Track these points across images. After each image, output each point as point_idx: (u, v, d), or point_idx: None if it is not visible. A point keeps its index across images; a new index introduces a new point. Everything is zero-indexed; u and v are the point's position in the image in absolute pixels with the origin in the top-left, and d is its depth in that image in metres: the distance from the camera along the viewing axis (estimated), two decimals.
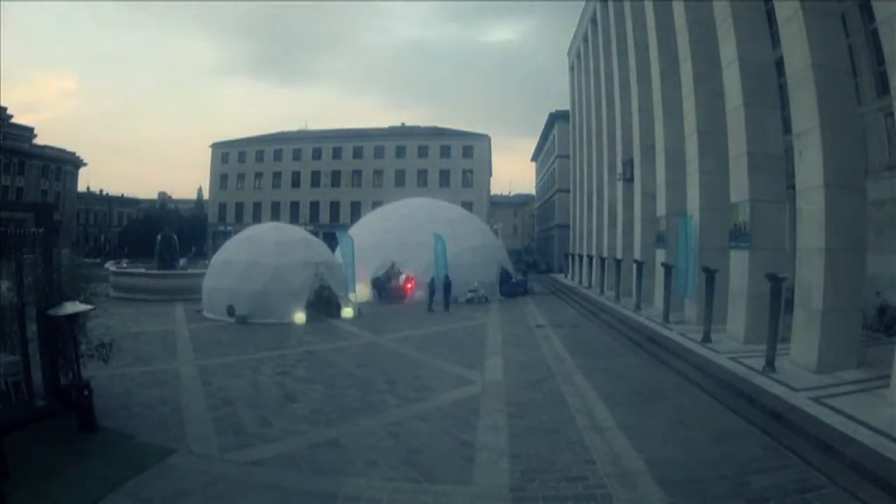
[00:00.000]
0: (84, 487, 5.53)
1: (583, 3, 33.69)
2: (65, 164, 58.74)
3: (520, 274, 31.59)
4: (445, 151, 55.45)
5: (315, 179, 56.97)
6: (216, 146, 59.84)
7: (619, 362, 12.19)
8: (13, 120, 53.23)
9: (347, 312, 18.67)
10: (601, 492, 5.59)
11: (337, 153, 57.09)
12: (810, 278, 9.69)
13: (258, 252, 18.61)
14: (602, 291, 24.39)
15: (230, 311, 17.57)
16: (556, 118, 51.58)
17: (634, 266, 19.21)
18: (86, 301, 8.30)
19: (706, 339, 12.15)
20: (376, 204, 48.21)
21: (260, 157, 58.54)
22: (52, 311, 7.58)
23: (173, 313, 19.04)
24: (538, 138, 66.29)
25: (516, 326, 17.70)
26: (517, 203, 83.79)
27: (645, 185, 20.57)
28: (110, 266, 29.52)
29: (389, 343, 14.48)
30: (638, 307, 18.08)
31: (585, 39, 33.91)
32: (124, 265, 31.57)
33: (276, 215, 53.95)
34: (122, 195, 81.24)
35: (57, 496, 5.39)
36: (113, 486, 5.57)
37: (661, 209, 18.15)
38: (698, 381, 9.86)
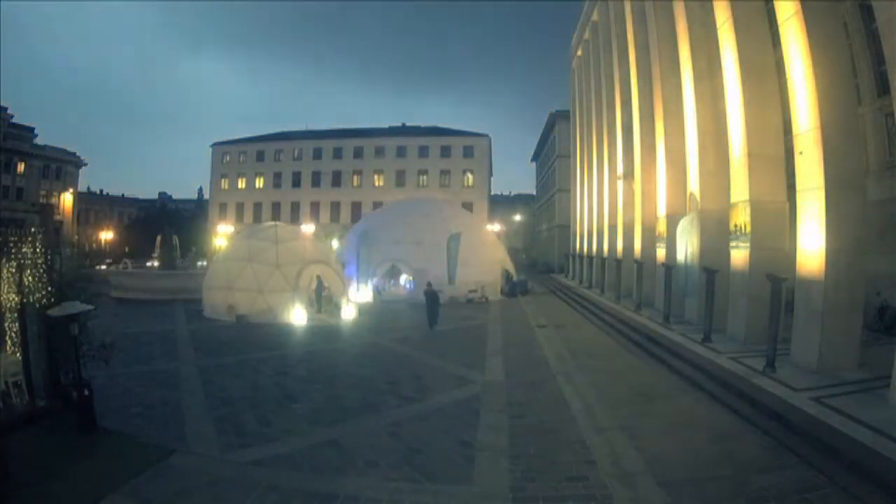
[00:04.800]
0: (84, 487, 5.53)
1: (584, 4, 33.69)
2: (65, 164, 58.71)
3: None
4: (446, 151, 55.44)
5: (316, 179, 56.98)
6: (216, 146, 59.87)
7: (619, 362, 12.19)
8: (14, 119, 53.23)
9: (348, 312, 18.66)
10: (602, 492, 5.59)
11: (337, 153, 57.09)
12: (810, 278, 9.68)
13: (258, 252, 18.62)
14: (602, 291, 24.37)
15: (230, 310, 17.58)
16: (557, 118, 51.57)
17: (635, 266, 19.21)
18: (86, 301, 8.30)
19: (706, 339, 12.13)
20: (377, 204, 48.28)
21: (261, 157, 58.56)
22: (52, 312, 7.59)
23: (173, 313, 19.03)
24: (538, 138, 66.26)
25: (517, 326, 17.70)
26: (517, 203, 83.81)
27: (645, 185, 20.57)
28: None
29: (390, 343, 14.48)
30: (638, 307, 18.07)
31: (586, 40, 33.92)
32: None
33: (276, 215, 53.97)
34: (123, 195, 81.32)
35: (57, 496, 5.39)
36: (113, 486, 5.57)
37: (661, 209, 18.15)
38: (699, 381, 9.85)
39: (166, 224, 35.04)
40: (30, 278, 7.85)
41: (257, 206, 57.68)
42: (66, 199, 58.20)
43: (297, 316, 17.21)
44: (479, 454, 6.61)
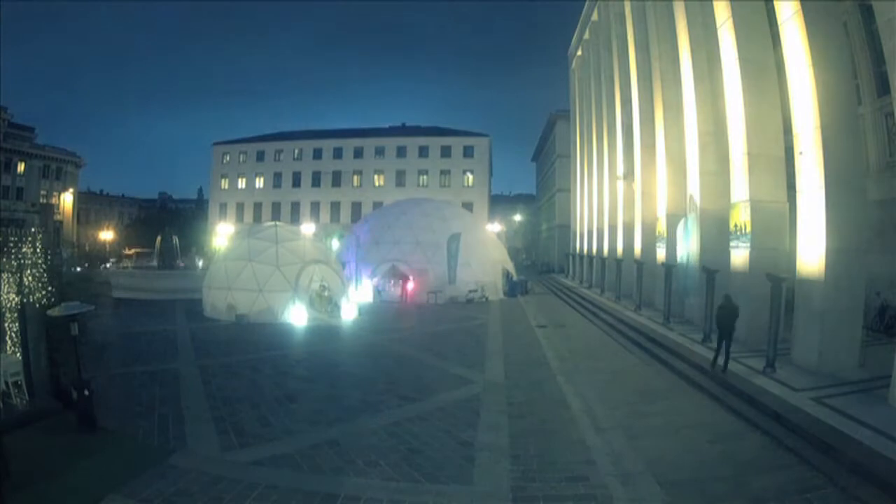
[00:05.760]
0: (84, 487, 5.53)
1: (584, 4, 33.69)
2: (65, 164, 58.71)
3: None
4: (446, 151, 55.39)
5: (316, 179, 56.94)
6: (217, 146, 59.86)
7: (619, 362, 12.19)
8: (14, 119, 53.26)
9: (348, 312, 18.66)
10: (602, 492, 5.59)
11: (338, 153, 57.05)
12: (810, 278, 9.68)
13: (258, 252, 18.61)
14: (602, 291, 24.37)
15: (230, 310, 17.57)
16: (557, 118, 51.57)
17: (635, 266, 19.20)
18: (86, 301, 8.30)
19: (706, 339, 12.13)
20: (377, 204, 48.29)
21: (261, 157, 58.51)
22: (52, 311, 7.59)
23: (173, 313, 19.03)
24: (538, 138, 66.25)
25: (517, 326, 17.70)
26: (517, 203, 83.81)
27: (645, 185, 20.57)
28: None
29: (390, 343, 14.47)
30: (639, 307, 18.07)
31: (586, 40, 33.92)
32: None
33: (276, 215, 53.97)
34: (123, 195, 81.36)
35: (57, 496, 5.39)
36: (113, 486, 5.57)
37: (661, 209, 18.15)
38: (699, 381, 9.85)
39: (166, 224, 35.08)
40: (30, 278, 7.86)
41: (257, 206, 57.65)
42: (66, 199, 58.21)
43: (297, 316, 17.21)
44: (479, 454, 6.61)
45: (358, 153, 56.65)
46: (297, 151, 57.83)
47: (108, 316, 17.44)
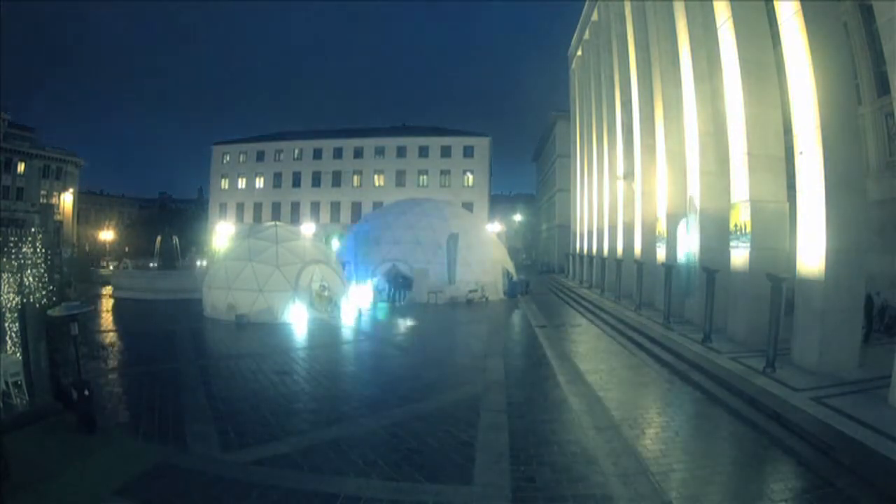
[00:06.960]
0: (84, 487, 5.53)
1: (584, 4, 33.71)
2: (65, 164, 58.75)
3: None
4: (446, 151, 55.45)
5: (316, 179, 57.01)
6: (217, 146, 59.93)
7: (619, 362, 12.19)
8: (13, 120, 53.30)
9: (348, 312, 18.68)
10: (602, 492, 5.59)
11: (338, 153, 57.11)
12: (810, 278, 9.69)
13: (258, 252, 18.62)
14: (602, 292, 24.38)
15: (230, 310, 17.58)
16: (557, 118, 51.61)
17: (635, 266, 19.20)
18: (86, 301, 8.31)
19: (707, 339, 12.14)
20: (377, 204, 48.37)
21: (261, 157, 58.59)
22: (52, 311, 7.59)
23: (174, 313, 19.03)
24: (538, 138, 66.28)
25: (517, 326, 17.72)
26: (517, 203, 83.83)
27: (645, 185, 20.59)
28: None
29: (389, 342, 14.48)
30: (639, 308, 18.07)
31: (586, 40, 33.95)
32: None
33: (276, 215, 54.03)
34: (123, 195, 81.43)
35: (57, 496, 5.39)
36: (113, 486, 5.57)
37: (661, 209, 18.16)
38: (699, 381, 9.85)
39: (166, 224, 35.11)
40: (30, 278, 7.86)
41: (257, 206, 57.73)
42: (66, 199, 58.24)
43: (297, 316, 17.22)
44: (479, 454, 6.60)
45: (358, 153, 56.72)
46: (297, 151, 57.90)
47: (107, 316, 17.47)
